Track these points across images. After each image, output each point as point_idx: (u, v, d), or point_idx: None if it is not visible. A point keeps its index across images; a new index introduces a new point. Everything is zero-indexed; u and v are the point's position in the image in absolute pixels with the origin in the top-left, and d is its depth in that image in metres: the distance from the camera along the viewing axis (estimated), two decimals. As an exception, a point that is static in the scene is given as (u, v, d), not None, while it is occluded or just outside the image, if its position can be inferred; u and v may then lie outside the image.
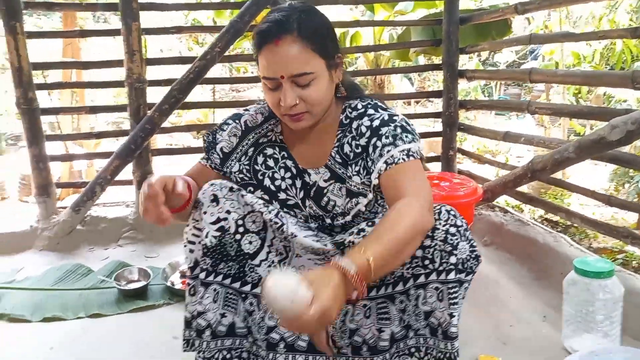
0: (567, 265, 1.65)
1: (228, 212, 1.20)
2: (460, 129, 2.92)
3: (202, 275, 1.22)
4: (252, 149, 1.30)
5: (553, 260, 2.03)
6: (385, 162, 1.16)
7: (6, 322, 1.82)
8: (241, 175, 1.28)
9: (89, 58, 4.45)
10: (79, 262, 2.26)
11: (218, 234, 1.19)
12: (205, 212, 1.19)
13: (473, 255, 1.22)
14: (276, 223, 1.23)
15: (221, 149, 1.28)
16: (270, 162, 1.29)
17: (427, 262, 1.19)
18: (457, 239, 1.18)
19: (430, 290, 1.19)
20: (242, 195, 1.23)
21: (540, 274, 2.06)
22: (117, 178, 2.52)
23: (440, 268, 1.18)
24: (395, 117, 1.21)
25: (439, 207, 1.23)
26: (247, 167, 1.28)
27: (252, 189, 1.27)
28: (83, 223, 2.48)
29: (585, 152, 1.79)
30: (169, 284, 2.02)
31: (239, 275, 1.23)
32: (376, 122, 1.21)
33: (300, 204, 1.28)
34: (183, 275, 2.13)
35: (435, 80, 9.16)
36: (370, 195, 1.24)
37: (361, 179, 1.24)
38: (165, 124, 2.52)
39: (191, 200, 1.19)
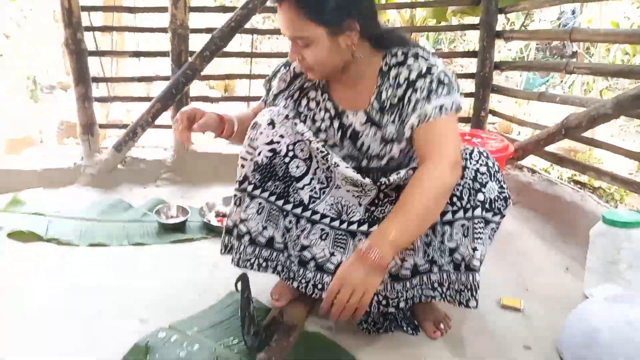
0: (593, 222, 1.69)
1: (281, 136, 1.33)
2: (493, 91, 2.91)
3: (250, 188, 1.36)
4: (297, 92, 1.41)
5: (579, 217, 2.07)
6: (418, 117, 1.23)
7: (56, 244, 1.96)
8: (305, 117, 1.41)
9: (132, 4, 4.51)
10: (120, 198, 2.38)
11: (270, 154, 1.32)
12: (261, 133, 1.32)
13: (502, 197, 1.29)
14: (322, 152, 1.32)
15: (273, 92, 1.45)
16: (312, 105, 1.39)
17: (455, 199, 1.27)
18: (486, 178, 1.25)
19: (457, 227, 1.28)
20: (295, 124, 1.35)
21: (565, 230, 2.11)
22: (157, 122, 2.61)
23: (468, 205, 1.26)
24: (433, 69, 1.24)
25: (471, 148, 1.30)
26: (305, 113, 1.40)
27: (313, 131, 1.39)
28: (123, 163, 2.59)
29: (623, 108, 1.79)
30: (206, 220, 2.13)
31: (283, 194, 1.36)
32: (413, 74, 1.25)
33: (339, 144, 1.36)
34: (218, 214, 2.23)
35: (467, 41, 8.95)
36: (404, 144, 1.31)
37: (396, 128, 1.30)
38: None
39: (225, 131, 1.37)
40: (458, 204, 1.28)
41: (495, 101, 4.05)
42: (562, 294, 1.69)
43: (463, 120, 3.07)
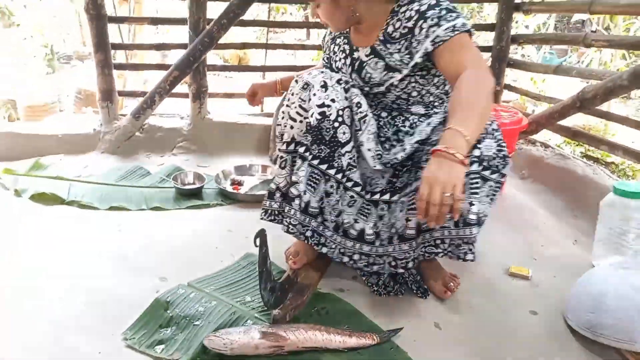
0: (604, 196, 1.70)
1: (333, 100, 1.34)
2: (509, 65, 2.89)
3: (302, 149, 1.37)
4: (330, 40, 1.59)
5: (590, 191, 2.08)
6: (433, 41, 1.28)
7: (77, 207, 2.03)
8: (326, 55, 1.60)
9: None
10: (138, 164, 2.44)
11: (320, 117, 1.33)
12: (314, 94, 1.33)
13: (500, 155, 1.32)
14: (356, 127, 1.38)
15: (324, 39, 1.65)
16: (336, 49, 1.52)
17: None
18: (483, 135, 1.27)
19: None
20: (347, 90, 1.38)
21: (575, 204, 2.12)
22: (174, 91, 2.64)
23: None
24: (442, 2, 1.31)
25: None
26: (327, 55, 1.59)
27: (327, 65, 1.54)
28: (141, 130, 2.64)
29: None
30: (221, 187, 2.18)
31: (327, 158, 1.36)
32: (424, 7, 1.31)
33: (350, 78, 1.45)
34: (233, 182, 2.28)
35: (484, 18, 8.79)
36: (405, 72, 1.37)
37: (400, 57, 1.36)
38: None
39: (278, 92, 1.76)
40: None
41: (510, 80, 4.02)
42: (570, 265, 1.72)
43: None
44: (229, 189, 2.21)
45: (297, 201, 1.38)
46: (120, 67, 2.75)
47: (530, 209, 2.18)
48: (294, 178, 1.38)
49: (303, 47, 3.28)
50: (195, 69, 2.58)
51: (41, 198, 2.06)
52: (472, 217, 1.28)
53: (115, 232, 1.84)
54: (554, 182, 2.31)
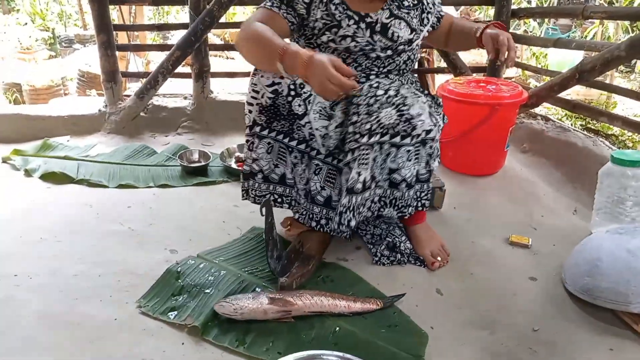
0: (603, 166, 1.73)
1: (282, 77, 1.36)
2: (510, 39, 2.89)
3: (258, 129, 1.44)
4: (327, 0, 1.44)
5: (590, 162, 2.10)
6: (437, 17, 1.63)
7: (86, 186, 2.07)
8: (324, 21, 1.43)
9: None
10: (144, 144, 2.48)
11: (272, 95, 1.38)
12: (262, 77, 1.38)
13: (402, 119, 1.34)
14: (300, 108, 1.39)
15: (304, 1, 1.42)
16: (338, 11, 1.44)
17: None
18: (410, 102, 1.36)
19: (402, 152, 1.39)
20: None
21: (575, 176, 2.15)
22: (177, 71, 2.66)
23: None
24: None
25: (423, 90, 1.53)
26: (327, 12, 1.43)
27: (336, 30, 1.43)
28: (146, 111, 2.67)
29: (637, 50, 1.79)
30: (226, 165, 2.22)
31: (288, 132, 1.44)
32: None
33: (370, 40, 1.45)
34: (238, 160, 2.32)
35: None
36: (423, 33, 1.55)
37: (417, 21, 1.52)
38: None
39: None
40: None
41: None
42: (569, 234, 1.75)
43: (479, 69, 3.07)
44: (234, 166, 2.24)
45: (259, 175, 1.50)
46: (122, 48, 2.78)
47: (530, 181, 2.21)
48: (253, 155, 1.48)
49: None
50: (197, 49, 2.60)
51: (51, 177, 2.11)
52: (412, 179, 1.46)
53: (125, 209, 1.89)
54: (554, 154, 2.34)
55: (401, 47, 1.49)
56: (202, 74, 2.69)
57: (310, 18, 1.43)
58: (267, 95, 1.38)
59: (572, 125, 2.96)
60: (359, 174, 1.35)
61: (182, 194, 2.04)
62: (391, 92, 1.35)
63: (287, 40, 1.35)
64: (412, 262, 1.57)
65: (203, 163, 2.23)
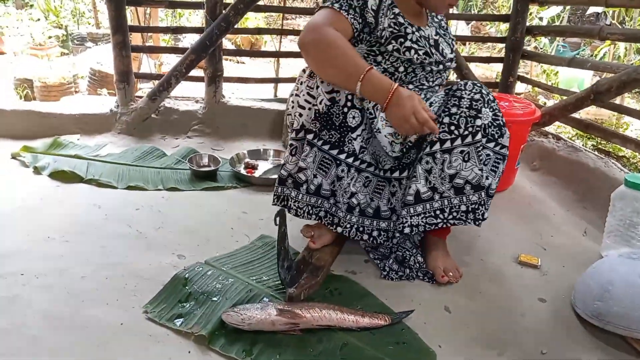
0: (615, 188, 1.72)
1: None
2: (523, 56, 2.89)
3: (310, 136, 1.40)
4: (389, 10, 1.43)
5: (602, 183, 2.09)
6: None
7: (95, 186, 2.07)
8: (391, 29, 1.41)
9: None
10: (154, 146, 2.48)
11: (329, 103, 1.36)
12: (322, 82, 1.36)
13: (495, 124, 1.44)
14: (370, 115, 1.41)
15: (372, 7, 1.41)
16: (400, 19, 1.43)
17: (452, 127, 1.39)
18: (480, 104, 1.39)
19: (455, 155, 1.40)
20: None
21: (586, 196, 2.14)
22: (190, 74, 2.67)
23: (466, 132, 1.39)
24: None
25: (466, 81, 1.46)
26: (394, 21, 1.42)
27: (402, 40, 1.41)
28: (157, 112, 2.67)
29: (656, 74, 1.79)
30: (236, 170, 2.22)
31: (338, 143, 1.40)
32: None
33: (429, 52, 1.46)
34: (247, 166, 2.32)
35: (497, 8, 8.72)
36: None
37: (451, 42, 1.58)
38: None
39: None
40: (456, 132, 1.39)
41: (521, 72, 4.03)
42: (579, 255, 1.74)
43: (491, 85, 3.07)
44: (244, 172, 2.24)
45: (304, 186, 1.44)
46: (137, 49, 2.78)
47: (541, 200, 2.20)
48: (301, 164, 1.43)
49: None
50: (211, 53, 2.61)
51: (60, 176, 2.11)
52: (485, 182, 1.42)
53: (134, 211, 1.88)
54: (565, 174, 2.33)
55: (448, 63, 1.52)
56: (215, 78, 2.69)
57: (379, 27, 1.41)
58: (325, 102, 1.36)
59: (583, 145, 2.95)
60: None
61: (191, 198, 2.03)
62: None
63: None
64: (421, 277, 1.55)
65: (213, 168, 2.23)
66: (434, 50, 1.47)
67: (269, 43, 6.44)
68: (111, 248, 1.62)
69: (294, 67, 4.37)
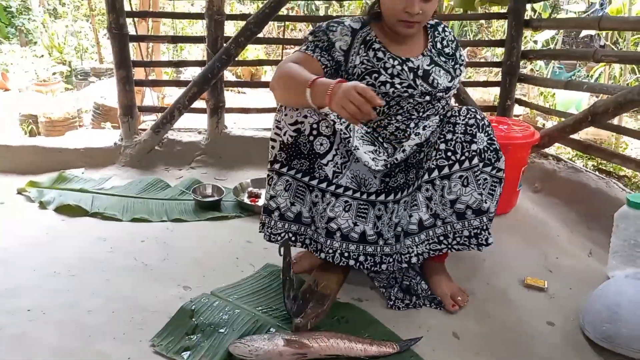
0: (618, 208, 1.72)
1: (305, 116, 1.41)
2: (520, 80, 2.94)
3: (277, 166, 1.46)
4: (362, 45, 1.49)
5: (604, 203, 2.10)
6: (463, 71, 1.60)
7: (100, 219, 2.09)
8: (364, 66, 1.47)
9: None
10: (158, 177, 2.50)
11: (295, 134, 1.41)
12: (286, 115, 1.42)
13: (492, 148, 1.47)
14: (344, 134, 1.41)
15: (340, 47, 1.47)
16: (380, 54, 1.48)
17: (449, 154, 1.43)
18: (475, 129, 1.43)
19: (454, 180, 1.43)
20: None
21: (589, 217, 2.14)
22: (192, 106, 2.71)
23: (462, 157, 1.43)
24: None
25: (460, 107, 1.49)
26: (367, 58, 1.47)
27: (376, 75, 1.46)
28: (161, 145, 2.71)
29: (651, 95, 1.82)
30: (239, 200, 2.23)
31: (308, 171, 1.45)
32: (454, 37, 1.59)
33: (413, 84, 1.47)
34: (251, 195, 2.33)
35: (492, 33, 8.89)
36: (457, 83, 1.55)
37: (453, 70, 1.55)
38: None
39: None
40: (453, 157, 1.44)
41: (519, 95, 4.09)
42: (585, 276, 1.74)
43: (489, 108, 3.11)
44: (247, 201, 2.26)
45: (276, 213, 1.49)
46: (140, 83, 2.84)
47: (544, 221, 2.21)
48: (271, 192, 1.49)
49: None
50: (213, 85, 2.66)
51: (66, 210, 2.12)
52: (485, 205, 1.45)
53: (139, 243, 1.89)
54: (567, 195, 2.34)
55: (440, 94, 1.51)
56: (217, 110, 2.74)
57: (349, 65, 1.47)
58: (289, 134, 1.42)
59: (584, 165, 2.97)
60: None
61: (196, 229, 2.04)
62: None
63: None
64: (428, 304, 1.55)
65: (217, 198, 2.25)
66: (419, 82, 1.47)
67: (269, 72, 6.56)
68: (118, 281, 1.62)
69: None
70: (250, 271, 1.70)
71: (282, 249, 1.30)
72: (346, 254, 1.47)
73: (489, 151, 1.45)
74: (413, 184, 1.47)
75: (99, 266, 1.71)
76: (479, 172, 1.44)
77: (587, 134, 4.01)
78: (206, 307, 1.45)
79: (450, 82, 1.53)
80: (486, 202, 1.46)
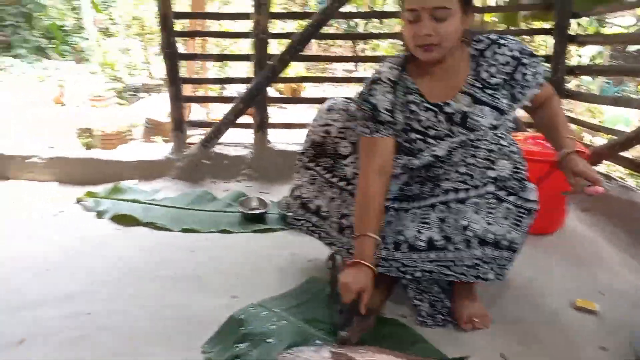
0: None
1: (335, 120, 1.57)
2: (566, 96, 2.88)
3: (305, 160, 1.63)
4: (403, 97, 1.44)
5: (658, 224, 2.03)
6: (538, 84, 1.42)
7: (152, 229, 2.18)
8: (407, 122, 1.43)
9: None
10: (206, 190, 2.59)
11: (324, 134, 1.59)
12: (320, 117, 1.60)
13: (516, 177, 1.36)
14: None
15: (385, 109, 1.44)
16: (414, 107, 1.43)
17: (467, 177, 1.38)
18: (496, 156, 1.35)
19: (469, 205, 1.37)
20: (349, 114, 1.59)
21: (642, 238, 2.07)
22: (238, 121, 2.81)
23: (478, 183, 1.36)
24: (523, 46, 1.41)
25: (488, 131, 1.38)
26: (409, 115, 1.44)
27: (411, 133, 1.43)
28: (208, 158, 2.81)
29: None
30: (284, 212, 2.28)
31: (331, 169, 1.58)
32: (515, 52, 1.38)
33: (450, 133, 1.41)
34: (295, 209, 2.38)
35: (535, 49, 8.72)
36: (512, 113, 1.42)
37: (507, 100, 1.41)
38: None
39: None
40: (470, 182, 1.37)
41: (564, 110, 3.99)
42: (637, 299, 1.68)
43: (532, 125, 3.05)
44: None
45: (297, 201, 1.67)
46: (189, 99, 2.97)
47: (593, 241, 2.14)
48: (297, 182, 1.68)
49: (349, 79, 3.46)
50: (258, 102, 2.74)
51: (120, 219, 2.23)
52: (490, 236, 1.37)
53: (189, 253, 1.97)
54: (618, 215, 2.26)
55: (481, 135, 1.39)
56: (262, 125, 2.82)
57: (397, 124, 1.45)
58: (319, 133, 1.59)
59: (636, 185, 2.87)
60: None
61: (242, 240, 2.10)
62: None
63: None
64: (449, 321, 1.53)
65: (262, 210, 2.31)
66: (456, 129, 1.39)
67: (309, 88, 6.67)
68: (168, 289, 1.69)
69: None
70: (294, 283, 1.73)
71: (329, 262, 1.33)
72: (351, 250, 1.48)
73: (512, 180, 1.35)
74: (425, 198, 1.44)
75: (151, 274, 1.78)
76: (496, 199, 1.35)
77: (636, 156, 3.88)
78: (254, 317, 1.49)
79: (498, 119, 1.39)
80: (510, 233, 1.37)
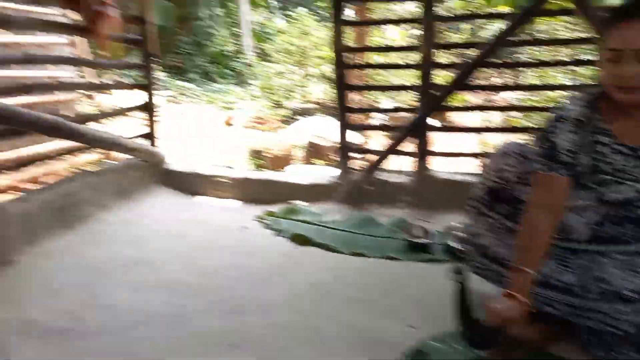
0: None
1: (511, 165, 1.51)
2: None
3: (481, 207, 1.58)
4: (591, 137, 1.37)
5: None
6: None
7: (324, 250, 2.35)
8: (595, 163, 1.37)
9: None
10: (370, 215, 2.71)
11: (499, 180, 1.54)
12: (495, 163, 1.55)
13: None
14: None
15: (566, 149, 1.38)
16: (604, 149, 1.36)
17: None
18: None
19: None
20: (525, 158, 1.50)
21: None
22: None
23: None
24: None
25: None
26: (595, 156, 1.37)
27: (605, 177, 1.36)
28: (371, 184, 2.95)
29: None
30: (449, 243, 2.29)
31: (512, 216, 1.50)
32: None
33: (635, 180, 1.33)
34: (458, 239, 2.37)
35: None
36: None
37: None
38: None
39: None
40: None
41: None
42: None
43: None
44: (456, 246, 2.30)
45: (479, 250, 1.60)
46: (355, 127, 3.16)
47: None
48: (477, 230, 1.62)
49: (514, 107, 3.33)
50: (421, 130, 2.81)
51: (295, 238, 2.45)
52: (626, 292, 1.27)
53: (359, 275, 2.09)
54: None
55: None
56: (423, 153, 2.87)
57: (580, 166, 1.39)
58: (493, 179, 1.55)
59: None
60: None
61: (407, 268, 2.16)
62: None
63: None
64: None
65: (428, 240, 2.34)
66: None
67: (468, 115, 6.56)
68: (342, 310, 1.81)
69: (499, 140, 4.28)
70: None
71: (456, 275, 1.36)
72: (542, 299, 1.40)
73: None
74: (629, 241, 1.33)
75: (327, 294, 1.93)
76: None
77: None
78: (436, 350, 1.53)
79: None
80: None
